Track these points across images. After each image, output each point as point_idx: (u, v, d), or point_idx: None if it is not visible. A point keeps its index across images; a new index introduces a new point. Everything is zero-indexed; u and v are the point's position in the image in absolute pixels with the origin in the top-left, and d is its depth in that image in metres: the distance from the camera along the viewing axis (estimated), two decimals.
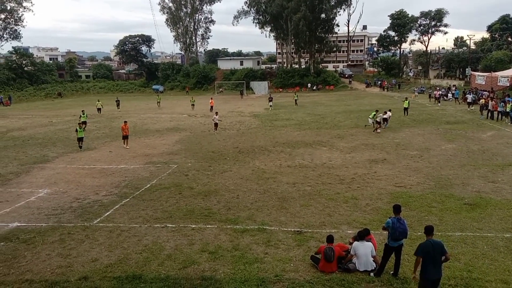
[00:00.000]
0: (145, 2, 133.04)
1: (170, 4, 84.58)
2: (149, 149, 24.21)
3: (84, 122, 30.72)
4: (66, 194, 15.81)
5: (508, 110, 30.33)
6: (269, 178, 17.13)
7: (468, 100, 39.84)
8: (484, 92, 42.59)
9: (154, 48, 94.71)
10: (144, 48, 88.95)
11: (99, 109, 43.02)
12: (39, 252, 10.73)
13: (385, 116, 28.85)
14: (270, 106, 44.08)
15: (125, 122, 25.43)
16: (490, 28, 73.46)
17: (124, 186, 16.63)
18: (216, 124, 29.23)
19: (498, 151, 21.08)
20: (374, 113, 28.77)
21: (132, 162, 21.06)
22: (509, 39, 72.49)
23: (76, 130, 24.39)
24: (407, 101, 35.57)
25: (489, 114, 32.31)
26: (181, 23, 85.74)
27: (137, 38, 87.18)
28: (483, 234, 11.11)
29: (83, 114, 32.51)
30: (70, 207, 14.20)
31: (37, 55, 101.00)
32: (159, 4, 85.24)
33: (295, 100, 47.77)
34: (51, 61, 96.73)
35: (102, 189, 16.34)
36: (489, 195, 14.34)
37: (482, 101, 35.19)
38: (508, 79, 43.03)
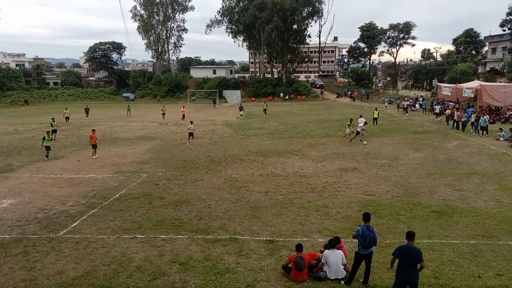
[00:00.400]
0: (118, 9, 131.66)
1: (142, 12, 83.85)
2: (119, 158, 23.74)
3: (54, 131, 29.87)
4: (31, 204, 15.26)
5: (472, 120, 31.48)
6: (241, 187, 17.10)
7: (436, 111, 41.06)
8: (450, 103, 44.12)
9: (125, 55, 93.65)
10: (114, 55, 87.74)
11: (67, 118, 41.68)
12: (1, 266, 10.28)
13: (361, 125, 28.29)
14: (241, 115, 44.05)
15: (93, 130, 24.89)
16: (455, 41, 76.39)
17: (92, 196, 16.21)
18: (190, 134, 28.33)
19: (463, 160, 21.80)
20: (349, 122, 29.32)
21: (100, 171, 20.59)
22: (473, 52, 75.60)
23: (44, 138, 23.68)
24: (377, 111, 36.30)
25: (455, 124, 33.44)
26: (153, 31, 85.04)
27: (108, 45, 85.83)
28: (449, 241, 11.41)
29: (54, 122, 31.51)
30: (35, 218, 13.71)
31: (2, 61, 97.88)
32: (131, 11, 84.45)
33: (264, 109, 48.05)
34: (17, 68, 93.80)
35: (69, 199, 15.87)
36: (455, 203, 14.77)
37: (448, 111, 36.43)
38: (472, 91, 44.70)
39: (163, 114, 44.63)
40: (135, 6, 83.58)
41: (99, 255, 10.83)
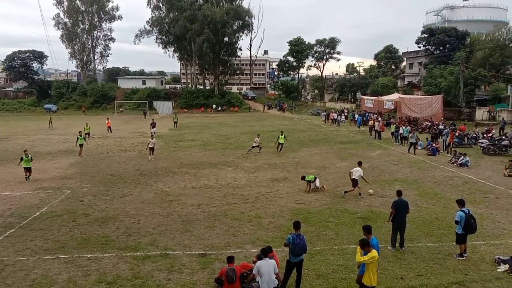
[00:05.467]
0: (39, 16, 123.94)
1: (66, 20, 79.87)
2: (39, 173, 22.14)
3: None
4: None
5: (392, 130, 33.65)
6: (173, 201, 16.72)
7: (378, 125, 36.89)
8: (370, 114, 46.89)
9: (47, 64, 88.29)
10: (35, 65, 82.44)
11: None
12: None
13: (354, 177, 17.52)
14: (153, 132, 35.90)
15: None
16: (376, 57, 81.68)
17: (9, 215, 14.94)
18: (151, 149, 26.00)
19: (385, 168, 23.16)
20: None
21: (18, 188, 19.06)
22: (393, 67, 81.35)
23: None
24: (283, 136, 28.90)
25: (377, 134, 35.55)
26: (77, 40, 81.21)
27: (28, 53, 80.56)
28: None
29: None
30: None
31: None
32: (54, 19, 79.97)
33: (175, 122, 46.85)
34: None
35: None
36: (379, 208, 15.62)
37: (370, 122, 38.61)
38: (392, 103, 47.94)
39: (87, 134, 33.89)
40: (58, 13, 79.64)
41: (16, 279, 9.99)
